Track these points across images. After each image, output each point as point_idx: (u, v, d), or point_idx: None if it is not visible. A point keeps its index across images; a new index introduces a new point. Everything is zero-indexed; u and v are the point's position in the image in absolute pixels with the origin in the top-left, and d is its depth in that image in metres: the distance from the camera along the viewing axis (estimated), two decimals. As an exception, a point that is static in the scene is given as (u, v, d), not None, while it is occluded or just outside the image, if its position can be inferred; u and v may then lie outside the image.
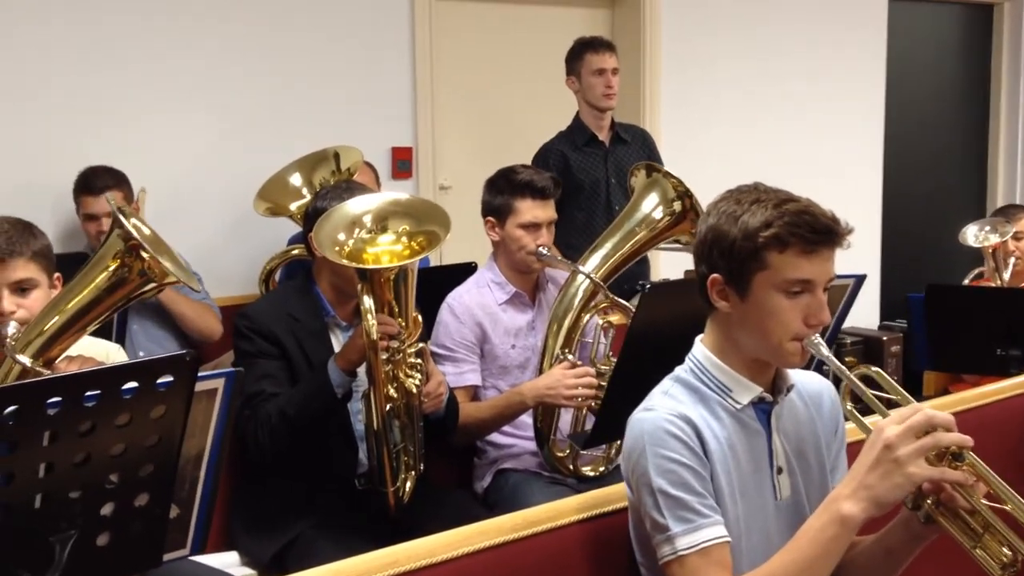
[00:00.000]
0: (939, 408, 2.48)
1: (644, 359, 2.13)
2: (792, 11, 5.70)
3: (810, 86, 5.78)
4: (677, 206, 3.01)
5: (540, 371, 2.95)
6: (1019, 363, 3.53)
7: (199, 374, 1.58)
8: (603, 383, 2.81)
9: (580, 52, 4.15)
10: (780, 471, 1.79)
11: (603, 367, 2.90)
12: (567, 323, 2.93)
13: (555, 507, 1.90)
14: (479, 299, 3.02)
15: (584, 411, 2.95)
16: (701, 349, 1.80)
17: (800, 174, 5.57)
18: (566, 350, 2.92)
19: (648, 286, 2.41)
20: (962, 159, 6.80)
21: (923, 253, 6.24)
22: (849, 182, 5.83)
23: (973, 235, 4.21)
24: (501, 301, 3.03)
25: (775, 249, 1.66)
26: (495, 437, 3.00)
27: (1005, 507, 1.56)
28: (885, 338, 5.36)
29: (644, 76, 5.17)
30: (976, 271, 4.42)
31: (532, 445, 2.97)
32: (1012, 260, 4.14)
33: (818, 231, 1.65)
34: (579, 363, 2.88)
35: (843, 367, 1.69)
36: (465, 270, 3.28)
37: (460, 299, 3.02)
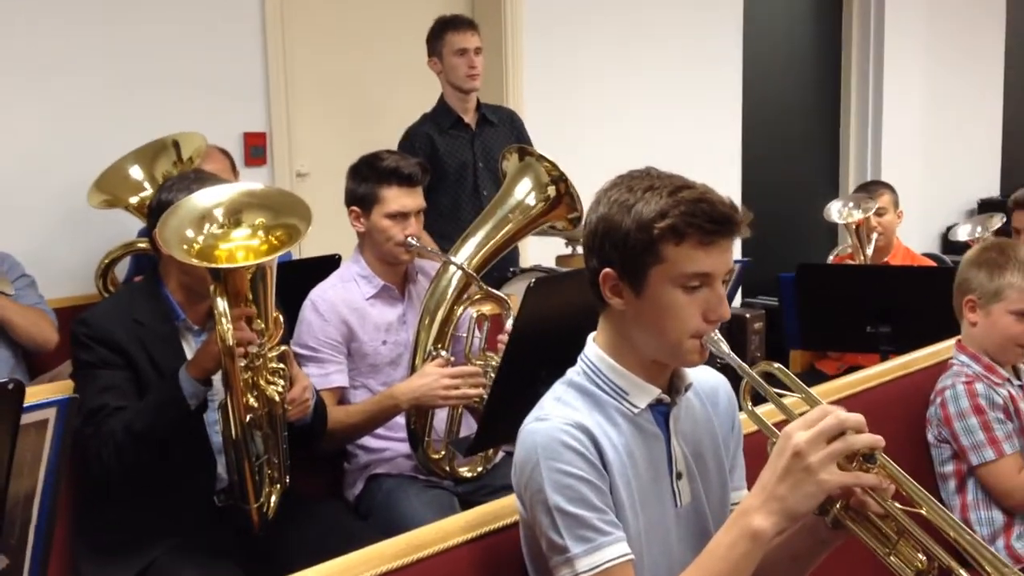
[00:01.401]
0: (832, 393, 2.49)
1: (530, 358, 2.00)
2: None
3: (670, 60, 5.75)
4: (551, 191, 2.88)
5: (412, 368, 2.79)
6: (889, 340, 3.55)
7: (25, 404, 1.35)
8: (481, 380, 2.68)
9: (441, 32, 3.98)
10: (680, 476, 1.67)
11: (479, 362, 2.77)
12: (439, 317, 2.78)
13: (441, 527, 1.74)
14: (344, 294, 2.83)
15: (459, 409, 2.81)
16: (594, 349, 1.66)
17: (663, 151, 5.56)
18: (439, 345, 2.77)
19: (533, 280, 2.26)
20: (816, 139, 6.92)
21: (781, 232, 6.32)
22: (710, 159, 5.84)
23: (837, 212, 4.23)
24: (369, 295, 2.85)
25: (671, 241, 1.53)
26: (366, 441, 2.83)
27: (920, 511, 1.47)
28: (748, 315, 5.40)
29: (507, 55, 5.03)
30: (840, 248, 4.46)
31: (405, 448, 2.81)
32: (874, 236, 4.17)
33: (716, 221, 1.53)
34: (452, 359, 2.74)
35: (745, 365, 1.58)
36: (328, 263, 3.09)
37: (324, 295, 2.83)
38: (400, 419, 2.78)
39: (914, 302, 3.44)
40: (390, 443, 2.84)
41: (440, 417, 2.80)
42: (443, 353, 2.75)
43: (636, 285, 1.57)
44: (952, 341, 2.72)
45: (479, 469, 2.85)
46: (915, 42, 6.87)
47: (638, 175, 1.60)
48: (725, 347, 1.59)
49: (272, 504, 2.39)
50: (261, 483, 2.36)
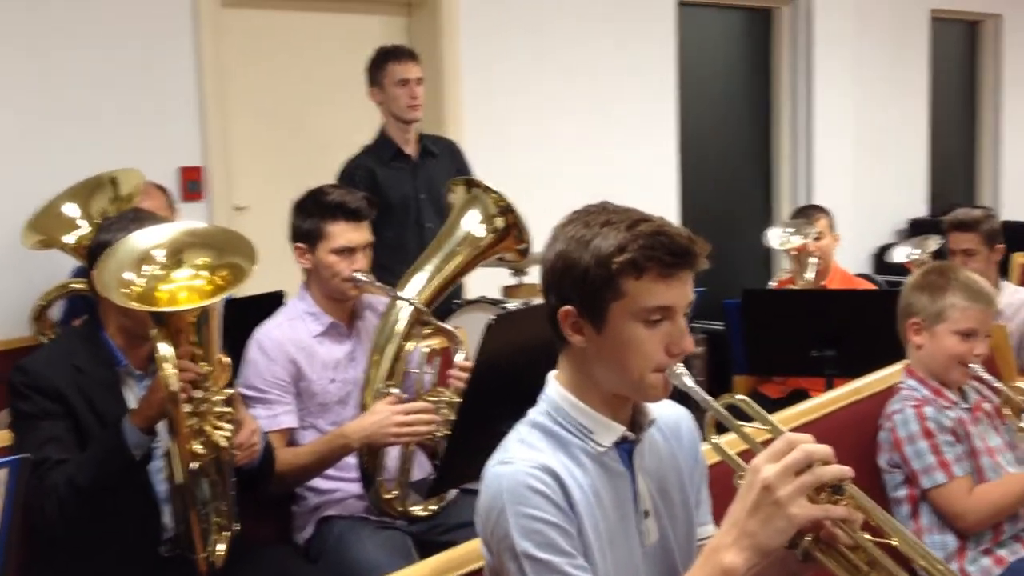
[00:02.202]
0: (786, 422, 2.48)
1: (491, 396, 1.96)
2: (587, 16, 5.68)
3: (607, 91, 5.79)
4: (499, 222, 2.86)
5: (362, 406, 2.73)
6: (833, 363, 3.57)
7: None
8: (433, 417, 2.64)
9: (382, 62, 3.95)
10: (647, 515, 1.64)
11: (430, 398, 2.72)
12: (390, 353, 2.73)
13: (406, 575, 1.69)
14: (291, 333, 2.77)
15: (412, 447, 2.76)
16: (556, 388, 1.63)
17: (602, 184, 5.60)
18: (390, 383, 2.72)
19: (494, 317, 2.23)
20: (750, 168, 7.00)
21: (719, 259, 6.33)
22: (649, 191, 5.86)
23: (776, 238, 4.26)
24: (316, 333, 2.79)
25: (631, 275, 1.51)
26: (316, 482, 2.76)
27: (891, 541, 1.46)
28: (690, 341, 5.43)
29: (444, 85, 5.01)
30: (780, 273, 4.49)
31: (357, 488, 2.75)
32: (813, 260, 4.20)
33: (675, 253, 1.51)
34: (405, 396, 2.69)
35: (709, 398, 1.56)
36: (272, 301, 3.03)
37: (270, 334, 2.76)
38: (351, 459, 2.71)
39: (858, 325, 3.47)
40: (341, 484, 2.77)
41: (392, 455, 2.75)
42: (394, 391, 2.70)
43: (596, 321, 1.55)
44: (900, 365, 2.74)
45: (433, 508, 2.79)
46: (843, 71, 6.98)
47: (594, 210, 1.58)
48: (688, 380, 1.57)
49: (220, 552, 2.31)
50: (208, 531, 2.29)
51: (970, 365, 2.56)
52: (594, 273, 1.52)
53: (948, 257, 3.89)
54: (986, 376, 2.58)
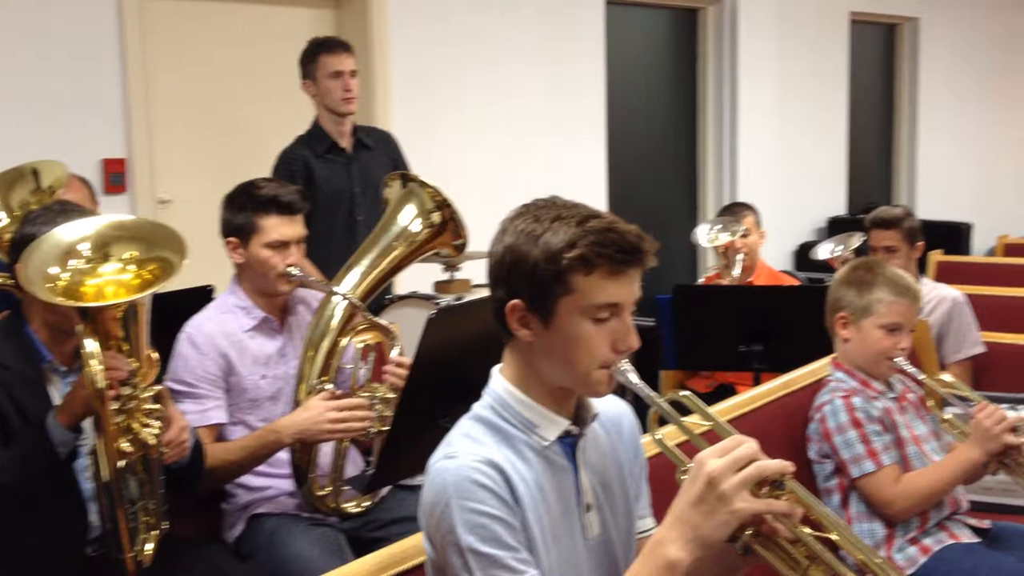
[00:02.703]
0: (724, 413, 2.52)
1: (431, 391, 1.94)
2: (517, 12, 5.69)
3: (537, 87, 5.82)
4: (436, 217, 2.84)
5: (295, 402, 2.70)
6: (761, 357, 3.62)
7: None
8: (367, 413, 2.61)
9: (315, 54, 3.89)
10: (589, 508, 1.65)
11: (364, 394, 2.69)
12: (324, 349, 2.70)
13: (346, 572, 1.67)
14: (222, 327, 2.72)
15: (346, 443, 2.73)
16: (501, 382, 1.63)
17: (532, 174, 5.63)
18: (324, 379, 2.69)
19: (435, 311, 2.21)
20: (676, 162, 7.08)
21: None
22: (578, 186, 5.90)
23: (704, 235, 4.31)
24: (247, 328, 2.74)
25: (580, 271, 1.51)
26: (247, 479, 2.71)
27: (830, 535, 1.49)
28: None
29: (375, 77, 4.97)
30: (708, 269, 4.55)
31: (288, 485, 2.72)
32: (740, 257, 4.26)
33: (625, 250, 1.52)
34: (339, 392, 2.66)
35: (653, 394, 1.57)
36: (200, 296, 2.96)
37: (200, 328, 2.71)
38: (282, 456, 2.68)
39: (784, 320, 3.52)
40: (272, 480, 2.73)
41: (325, 452, 2.72)
42: (328, 386, 2.67)
43: (544, 316, 1.55)
44: (828, 359, 2.79)
45: (366, 504, 2.77)
46: (766, 71, 7.09)
47: (544, 204, 1.58)
48: (634, 377, 1.58)
49: (148, 552, 2.26)
50: (136, 531, 2.24)
51: (895, 359, 2.62)
52: (543, 268, 1.52)
53: (870, 254, 3.97)
54: (910, 369, 2.64)
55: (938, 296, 3.93)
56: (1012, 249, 6.46)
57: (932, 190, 8.81)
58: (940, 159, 8.90)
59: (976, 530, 2.61)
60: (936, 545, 2.53)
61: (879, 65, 8.69)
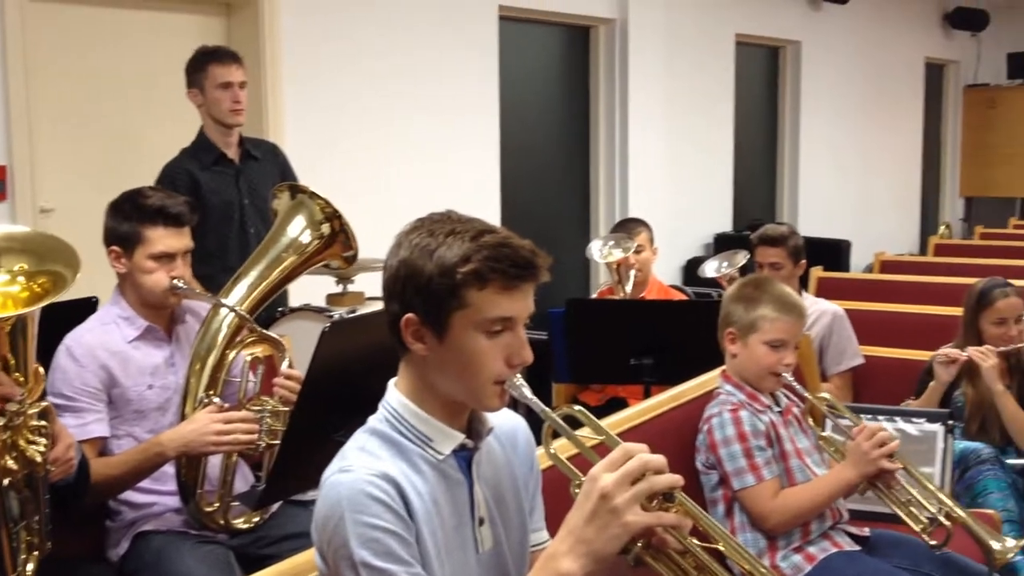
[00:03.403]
0: (613, 428, 2.55)
1: (324, 405, 1.93)
2: (411, 26, 5.69)
3: (431, 101, 5.82)
4: (326, 229, 2.82)
5: (182, 416, 2.64)
6: (651, 371, 3.69)
7: None
8: (255, 426, 2.57)
9: (203, 63, 3.81)
10: (482, 522, 1.66)
11: (254, 407, 2.65)
12: (211, 361, 2.65)
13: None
14: (103, 337, 2.65)
15: (234, 458, 2.69)
16: (396, 396, 1.63)
17: (425, 187, 5.63)
18: (211, 392, 2.64)
19: (328, 324, 2.19)
20: (568, 177, 7.15)
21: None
22: (470, 194, 5.93)
23: (598, 250, 4.37)
24: (131, 338, 2.67)
25: (474, 286, 1.53)
26: (130, 495, 2.64)
27: (717, 546, 1.53)
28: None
29: (265, 88, 4.91)
30: (602, 284, 4.61)
31: (174, 501, 2.65)
32: (633, 272, 4.33)
33: (519, 265, 1.54)
34: (226, 406, 2.61)
35: (547, 409, 1.59)
36: (84, 307, 2.88)
37: (80, 340, 2.63)
38: (168, 471, 2.62)
39: (674, 334, 3.59)
40: (158, 497, 2.67)
41: (213, 466, 2.67)
42: (216, 400, 2.62)
43: (438, 330, 1.55)
44: (717, 371, 2.86)
45: (255, 520, 2.72)
46: (655, 90, 7.21)
47: (439, 218, 1.59)
48: (527, 391, 1.59)
49: (30, 573, 2.18)
50: (18, 550, 2.15)
51: (781, 374, 2.70)
52: (438, 282, 1.53)
53: (755, 270, 4.09)
54: (795, 385, 2.72)
55: (819, 310, 4.07)
56: (888, 266, 6.70)
57: (813, 208, 9.10)
58: (821, 178, 9.20)
59: (856, 538, 2.70)
60: (820, 553, 2.61)
61: (763, 86, 8.95)
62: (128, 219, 2.63)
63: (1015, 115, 11.17)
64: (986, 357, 3.45)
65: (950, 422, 3.21)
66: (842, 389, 3.90)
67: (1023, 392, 3.46)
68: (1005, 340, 3.53)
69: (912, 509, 2.59)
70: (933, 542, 2.58)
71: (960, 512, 2.57)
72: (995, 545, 2.45)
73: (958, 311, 3.96)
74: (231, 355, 2.69)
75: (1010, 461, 3.33)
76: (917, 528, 2.58)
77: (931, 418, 3.20)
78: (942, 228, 10.76)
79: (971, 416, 3.52)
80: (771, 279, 2.93)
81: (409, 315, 1.56)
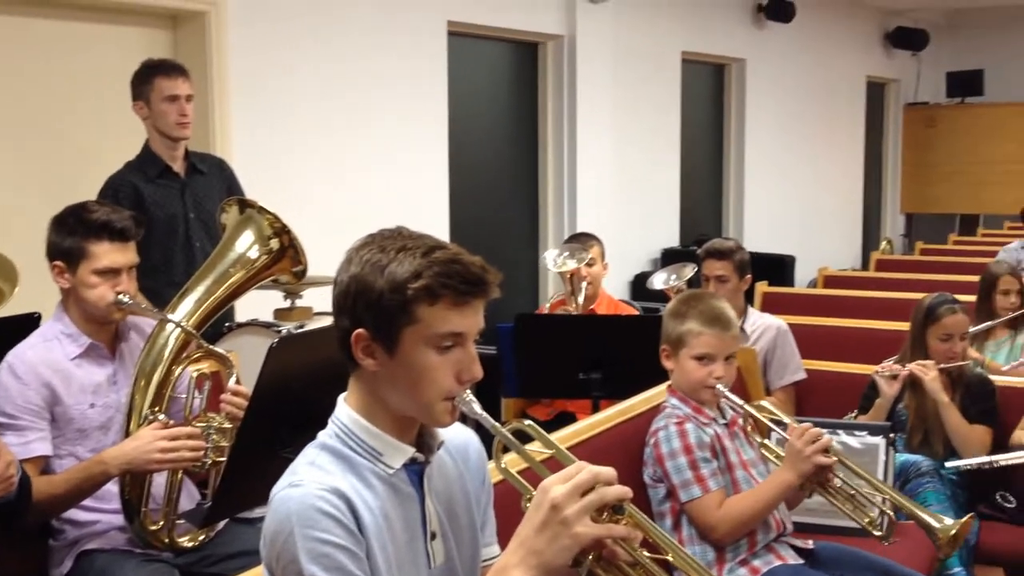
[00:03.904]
0: (566, 439, 2.57)
1: (272, 421, 1.92)
2: (360, 41, 5.68)
3: (381, 115, 5.81)
4: (274, 244, 2.80)
5: (126, 432, 2.61)
6: (599, 385, 3.71)
7: None
8: (200, 443, 2.54)
9: (149, 76, 3.78)
10: (434, 537, 1.66)
11: (199, 424, 2.63)
12: (156, 378, 2.62)
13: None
14: (46, 355, 2.61)
15: (179, 475, 2.66)
16: (346, 411, 1.62)
17: (375, 202, 5.62)
18: (156, 408, 2.61)
19: (276, 339, 2.18)
20: (517, 192, 7.17)
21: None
22: (419, 208, 5.93)
23: (552, 260, 4.40)
24: (74, 355, 2.64)
25: (425, 302, 1.53)
26: (74, 514, 2.60)
27: (666, 557, 1.54)
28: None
29: (213, 101, 4.87)
30: (553, 295, 4.63)
31: (119, 519, 2.62)
32: (584, 285, 4.36)
33: (470, 282, 1.55)
34: (172, 423, 2.58)
35: (497, 424, 1.60)
36: (27, 323, 2.83)
37: (22, 357, 2.59)
38: (111, 488, 2.58)
39: (622, 349, 3.62)
40: (102, 515, 2.63)
41: (159, 484, 2.63)
42: (160, 416, 2.59)
43: (389, 346, 1.56)
44: (664, 386, 2.88)
45: (201, 538, 2.69)
46: (604, 106, 7.25)
47: (390, 235, 1.59)
48: (477, 407, 1.60)
49: (-33, 594, 2.15)
50: (-44, 571, 2.12)
51: (717, 387, 2.72)
52: (388, 298, 1.53)
53: (702, 283, 4.14)
54: (732, 398, 2.74)
55: (763, 325, 4.12)
56: (831, 281, 6.80)
57: (758, 224, 9.23)
58: (766, 195, 9.33)
59: (800, 551, 2.74)
60: (764, 566, 2.63)
61: (709, 103, 9.07)
62: (72, 234, 2.60)
63: (954, 133, 11.43)
64: (927, 371, 3.52)
65: (891, 435, 3.28)
66: (785, 403, 3.95)
67: (964, 405, 3.52)
68: (949, 356, 3.60)
69: (857, 505, 2.63)
70: (878, 534, 2.62)
71: (899, 497, 2.62)
72: (935, 524, 2.50)
73: (899, 325, 4.05)
74: (177, 371, 2.66)
75: (950, 464, 3.38)
76: (864, 522, 2.62)
77: (872, 431, 3.26)
78: (884, 244, 10.96)
79: (914, 428, 3.59)
80: (704, 294, 2.96)
81: (359, 330, 1.57)
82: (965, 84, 11.57)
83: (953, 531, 2.46)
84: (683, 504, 2.65)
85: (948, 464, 3.39)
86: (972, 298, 4.50)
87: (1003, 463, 3.25)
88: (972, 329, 3.86)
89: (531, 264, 7.11)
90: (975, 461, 3.30)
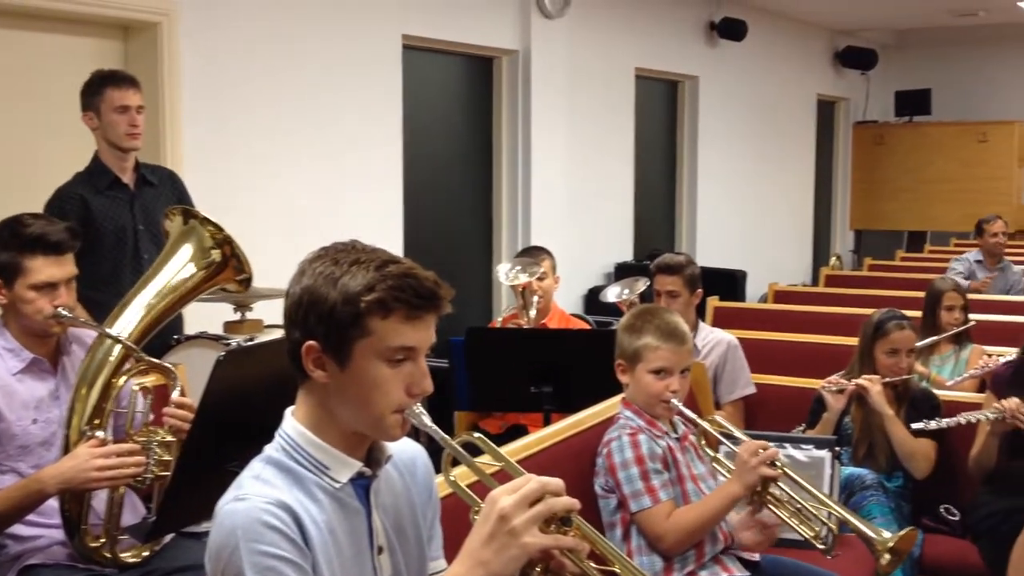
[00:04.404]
0: (514, 454, 2.57)
1: (219, 435, 1.90)
2: (314, 53, 5.66)
3: (334, 129, 5.79)
4: (216, 255, 2.77)
5: (66, 448, 2.56)
6: (551, 399, 3.71)
7: None
8: (141, 458, 2.51)
9: (100, 86, 3.73)
10: (380, 551, 1.66)
11: (141, 438, 2.59)
12: (96, 392, 2.58)
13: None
14: (-13, 371, 2.57)
15: (122, 490, 2.62)
16: (293, 424, 1.62)
17: (328, 215, 5.59)
18: (96, 421, 2.57)
19: (223, 352, 2.16)
20: (472, 207, 7.18)
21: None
22: (373, 221, 5.92)
23: (504, 274, 4.40)
24: (16, 371, 2.60)
25: (378, 315, 1.54)
26: (16, 529, 2.55)
27: (613, 568, 1.55)
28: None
29: (164, 112, 4.83)
30: (505, 308, 4.63)
31: (62, 534, 2.57)
32: (536, 299, 4.37)
33: (423, 296, 1.56)
34: (109, 439, 2.54)
35: (446, 436, 1.61)
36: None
37: (-36, 372, 2.55)
38: (54, 503, 2.54)
39: (574, 362, 3.63)
40: (44, 530, 2.58)
41: (101, 499, 2.60)
42: (100, 433, 2.55)
43: (340, 358, 1.56)
44: (618, 398, 2.90)
45: (145, 553, 2.65)
46: (558, 122, 7.27)
47: (343, 248, 1.60)
48: (427, 419, 1.60)
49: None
50: None
51: (671, 401, 2.74)
52: (341, 310, 1.53)
53: (654, 298, 4.17)
54: (685, 411, 2.77)
55: (714, 340, 4.16)
56: (781, 296, 6.87)
57: (711, 239, 9.31)
58: (718, 210, 9.42)
59: (746, 563, 2.76)
60: (711, 579, 2.66)
61: (663, 119, 9.15)
62: (6, 248, 2.56)
63: (902, 151, 11.62)
64: (872, 385, 3.57)
65: (837, 448, 3.33)
66: (734, 417, 3.98)
67: (909, 419, 3.57)
68: (895, 371, 3.65)
69: (802, 519, 2.66)
70: (823, 547, 2.65)
71: (841, 510, 2.65)
72: (875, 536, 2.54)
73: (848, 340, 4.10)
74: (119, 384, 2.62)
75: (915, 425, 3.44)
76: (809, 536, 2.65)
77: (819, 444, 3.30)
78: (833, 260, 11.11)
79: (859, 441, 3.64)
80: (658, 308, 2.98)
81: (310, 342, 1.56)
82: (913, 103, 11.78)
83: (892, 543, 2.49)
84: (633, 514, 2.67)
85: (914, 425, 3.45)
86: (919, 313, 4.57)
87: (970, 420, 3.35)
88: (918, 344, 3.92)
89: (485, 278, 7.11)
90: (946, 421, 3.38)
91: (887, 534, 2.53)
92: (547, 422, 3.53)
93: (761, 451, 2.60)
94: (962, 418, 3.36)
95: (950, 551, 3.46)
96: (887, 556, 2.49)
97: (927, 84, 11.74)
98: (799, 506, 2.65)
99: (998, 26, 10.91)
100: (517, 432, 4.03)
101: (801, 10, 10.12)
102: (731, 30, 9.11)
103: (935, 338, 4.50)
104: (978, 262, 7.20)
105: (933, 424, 3.41)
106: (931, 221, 11.53)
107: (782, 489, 2.65)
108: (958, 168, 11.22)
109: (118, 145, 3.78)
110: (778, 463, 2.61)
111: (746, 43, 9.29)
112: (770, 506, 2.65)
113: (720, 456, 2.80)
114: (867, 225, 12.05)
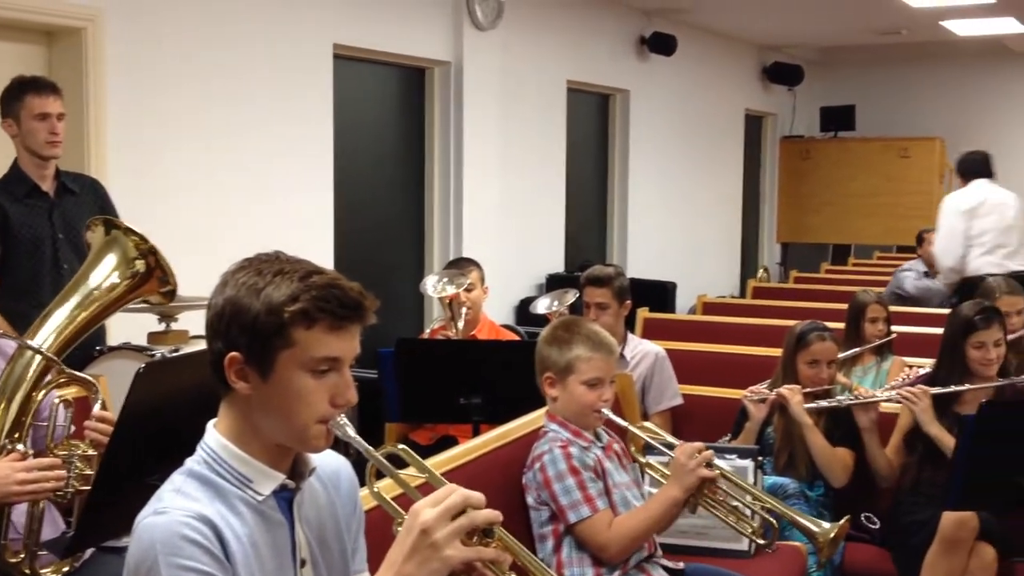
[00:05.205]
0: (440, 466, 2.57)
1: (139, 448, 1.87)
2: (244, 62, 5.61)
3: (265, 137, 5.73)
4: (140, 265, 2.72)
5: (-13, 458, 2.50)
6: (479, 410, 3.71)
7: None
8: (61, 473, 2.44)
9: (20, 93, 3.67)
10: (303, 564, 1.64)
11: (62, 452, 2.53)
12: (15, 406, 2.50)
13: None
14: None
15: (42, 505, 2.56)
16: (215, 436, 1.60)
17: (257, 225, 5.53)
18: (16, 435, 2.51)
19: (143, 365, 2.12)
20: (403, 217, 7.16)
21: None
22: (303, 232, 5.86)
23: (431, 286, 4.39)
24: (-66, 383, 2.53)
25: (302, 325, 1.53)
26: (-67, 544, 2.48)
27: (534, 578, 1.56)
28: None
29: (88, 119, 4.74)
30: (435, 320, 4.62)
31: (-20, 550, 2.50)
32: (464, 310, 4.37)
33: (347, 306, 1.55)
34: (31, 453, 2.49)
35: (370, 448, 1.60)
36: None
37: None
38: (-24, 517, 2.48)
39: (502, 374, 3.63)
40: (-39, 546, 2.51)
41: (20, 512, 2.53)
42: (19, 447, 2.49)
43: (263, 369, 1.54)
44: (543, 411, 2.91)
45: (65, 569, 2.59)
46: (490, 133, 7.30)
47: (267, 259, 1.59)
48: (351, 431, 1.60)
49: None
50: None
51: (602, 410, 2.77)
52: (264, 320, 1.52)
53: (583, 309, 4.19)
54: (617, 420, 2.80)
55: (642, 351, 4.20)
56: (710, 308, 6.95)
57: (642, 251, 9.40)
58: (649, 222, 9.52)
59: (671, 571, 2.79)
60: (637, 586, 2.68)
61: (594, 131, 9.22)
62: None
63: (827, 166, 11.86)
64: (792, 394, 3.63)
65: (759, 458, 3.38)
66: (662, 427, 3.99)
67: (829, 428, 3.64)
68: (816, 381, 3.72)
69: (740, 517, 2.71)
70: (762, 542, 2.70)
71: (780, 507, 2.71)
72: (815, 528, 2.60)
73: (774, 351, 4.16)
74: (39, 397, 2.56)
75: (808, 405, 3.60)
76: (747, 532, 2.69)
77: (742, 454, 3.35)
78: (760, 272, 11.28)
79: (780, 450, 3.69)
80: (579, 319, 3.00)
81: (233, 353, 1.55)
82: (838, 119, 12.05)
83: (832, 533, 2.56)
84: (572, 525, 2.67)
85: (807, 405, 3.56)
86: (843, 325, 4.66)
87: (850, 403, 3.62)
88: (840, 355, 4.00)
89: (416, 289, 7.07)
90: (840, 398, 3.65)
91: (826, 525, 2.59)
92: (476, 433, 3.53)
93: (697, 454, 2.63)
94: (854, 396, 3.61)
95: (870, 558, 3.52)
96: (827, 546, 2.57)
97: (852, 100, 12.02)
98: (736, 504, 2.70)
99: (921, 44, 11.19)
100: (447, 443, 4.02)
101: (730, 26, 10.28)
102: (661, 45, 9.23)
103: (857, 350, 4.59)
104: (924, 273, 7.40)
105: (824, 403, 3.59)
106: (855, 234, 11.78)
107: (721, 489, 2.69)
108: (881, 183, 11.47)
109: (38, 153, 3.71)
110: (714, 464, 2.65)
111: (676, 58, 9.41)
112: (707, 507, 2.69)
113: (652, 461, 2.83)
114: (793, 238, 12.26)
